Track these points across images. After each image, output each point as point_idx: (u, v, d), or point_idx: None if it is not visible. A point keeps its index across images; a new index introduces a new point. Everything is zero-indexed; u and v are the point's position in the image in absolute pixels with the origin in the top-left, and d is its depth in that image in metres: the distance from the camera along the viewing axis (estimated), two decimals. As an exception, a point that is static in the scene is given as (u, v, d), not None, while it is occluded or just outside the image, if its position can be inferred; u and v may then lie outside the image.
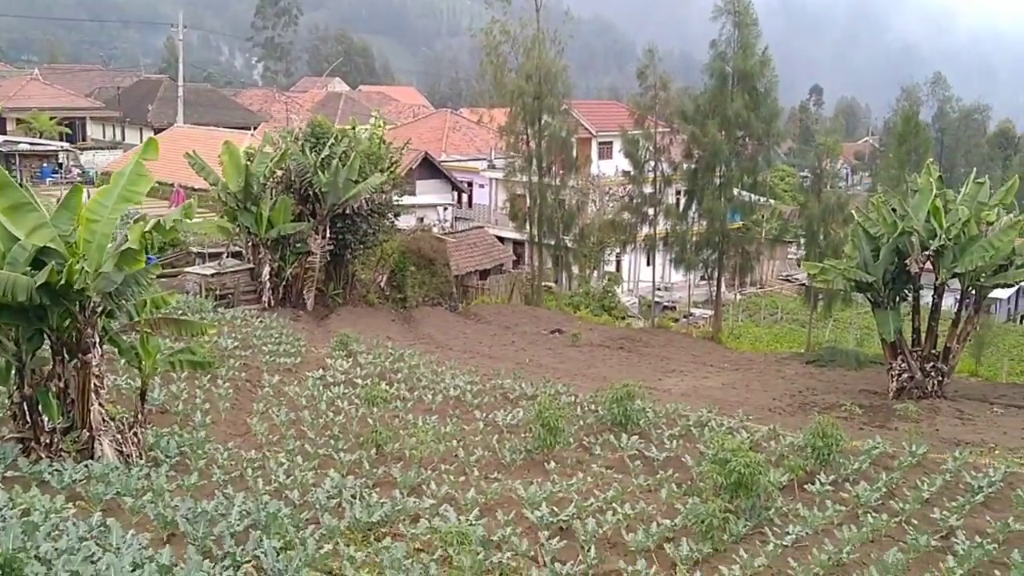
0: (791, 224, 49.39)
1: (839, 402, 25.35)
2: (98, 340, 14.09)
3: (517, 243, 50.86)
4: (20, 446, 13.97)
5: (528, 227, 47.46)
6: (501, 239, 49.61)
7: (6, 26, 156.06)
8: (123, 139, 73.15)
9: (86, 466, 13.37)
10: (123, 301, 14.05)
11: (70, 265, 12.86)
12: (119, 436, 14.61)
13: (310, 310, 33.62)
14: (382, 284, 37.72)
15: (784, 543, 12.83)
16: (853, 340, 41.35)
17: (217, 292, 31.31)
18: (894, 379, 26.67)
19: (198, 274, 32.18)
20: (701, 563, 12.20)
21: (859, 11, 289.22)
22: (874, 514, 14.06)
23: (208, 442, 16.25)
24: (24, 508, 10.46)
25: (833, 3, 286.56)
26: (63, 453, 13.87)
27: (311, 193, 32.99)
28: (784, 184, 72.08)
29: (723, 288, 45.21)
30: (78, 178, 50.86)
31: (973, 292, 26.96)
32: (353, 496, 13.33)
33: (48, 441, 14.03)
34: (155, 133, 65.78)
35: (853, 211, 31.28)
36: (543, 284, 47.19)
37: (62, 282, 12.82)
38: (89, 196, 14.44)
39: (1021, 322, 55.40)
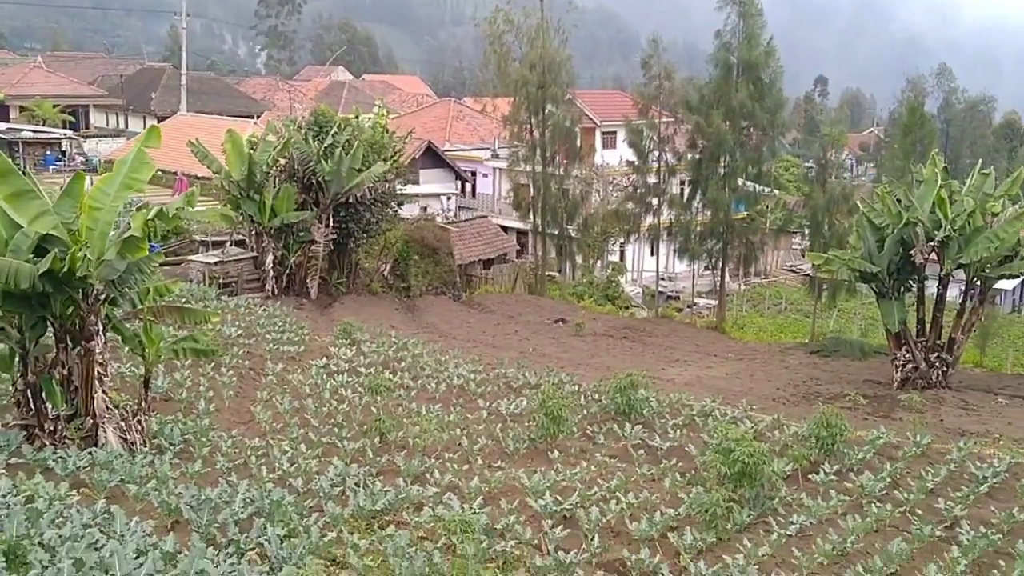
0: (795, 214, 49.25)
1: (843, 392, 25.32)
2: (101, 328, 14.08)
3: (521, 232, 50.82)
4: (24, 433, 13.99)
5: (532, 216, 47.41)
6: (505, 228, 49.59)
7: (9, 14, 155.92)
8: (126, 127, 73.14)
9: (90, 453, 13.38)
10: (126, 289, 14.02)
11: (73, 253, 12.83)
12: (123, 424, 14.61)
13: (314, 299, 33.62)
14: (386, 273, 37.71)
15: (788, 533, 12.81)
16: (857, 330, 41.31)
17: (220, 280, 31.31)
18: (898, 369, 26.63)
19: (201, 262, 32.18)
20: (705, 552, 12.19)
21: (864, 2, 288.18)
22: (878, 504, 14.05)
23: (212, 430, 16.25)
24: (28, 495, 10.46)
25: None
26: (67, 440, 13.88)
27: (314, 182, 32.96)
28: (789, 175, 71.88)
29: (727, 278, 45.15)
30: (81, 166, 50.88)
31: (978, 283, 26.90)
32: (357, 484, 13.32)
33: (52, 428, 14.04)
34: (158, 121, 65.76)
35: (858, 201, 31.15)
36: (547, 274, 47.16)
37: (65, 270, 12.80)
38: (92, 184, 14.42)
39: (1025, 313, 55.25)
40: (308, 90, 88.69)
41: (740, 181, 43.74)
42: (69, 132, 62.47)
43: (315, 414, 17.98)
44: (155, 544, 9.02)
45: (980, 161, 29.08)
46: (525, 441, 16.96)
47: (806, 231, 45.80)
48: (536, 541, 11.93)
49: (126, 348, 16.50)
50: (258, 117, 60.98)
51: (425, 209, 48.00)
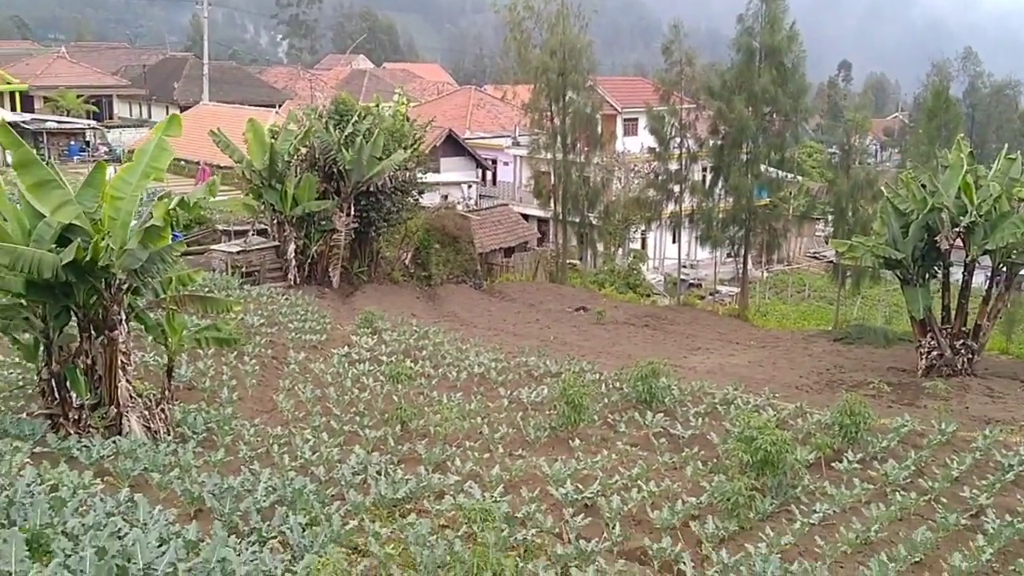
0: (819, 201, 48.80)
1: (867, 380, 25.10)
2: (124, 317, 14.19)
3: (542, 221, 50.66)
4: (49, 422, 14.15)
5: (553, 204, 47.23)
6: (525, 216, 49.45)
7: (33, 5, 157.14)
8: (149, 117, 73.52)
9: (114, 442, 13.49)
10: (148, 278, 14.11)
11: (95, 242, 12.91)
12: (146, 412, 14.75)
13: (335, 288, 33.73)
14: (407, 262, 37.76)
15: (811, 521, 12.74)
16: (882, 318, 40.91)
17: (243, 270, 31.48)
18: (923, 357, 26.38)
19: (224, 252, 32.35)
20: (727, 541, 12.14)
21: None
22: (902, 492, 13.94)
23: (235, 418, 16.37)
24: (52, 484, 10.55)
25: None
26: (91, 429, 14.02)
27: (335, 171, 33.02)
28: (812, 160, 71.17)
29: (750, 265, 44.82)
30: (105, 156, 51.20)
31: (1004, 269, 26.54)
32: (378, 472, 13.36)
33: (76, 417, 14.19)
34: (181, 111, 66.06)
35: (882, 187, 30.81)
36: (568, 262, 47.02)
37: (88, 259, 12.89)
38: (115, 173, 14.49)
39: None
40: (329, 79, 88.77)
41: (763, 167, 43.38)
42: (93, 122, 62.88)
43: (337, 403, 18.05)
44: (178, 532, 9.07)
45: (1006, 146, 28.62)
46: (546, 429, 16.95)
47: (830, 218, 45.36)
48: (557, 529, 11.92)
49: (149, 337, 16.62)
50: (279, 106, 61.09)
51: (446, 197, 47.98)
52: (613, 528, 11.91)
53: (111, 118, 72.58)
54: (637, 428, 17.34)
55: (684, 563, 10.83)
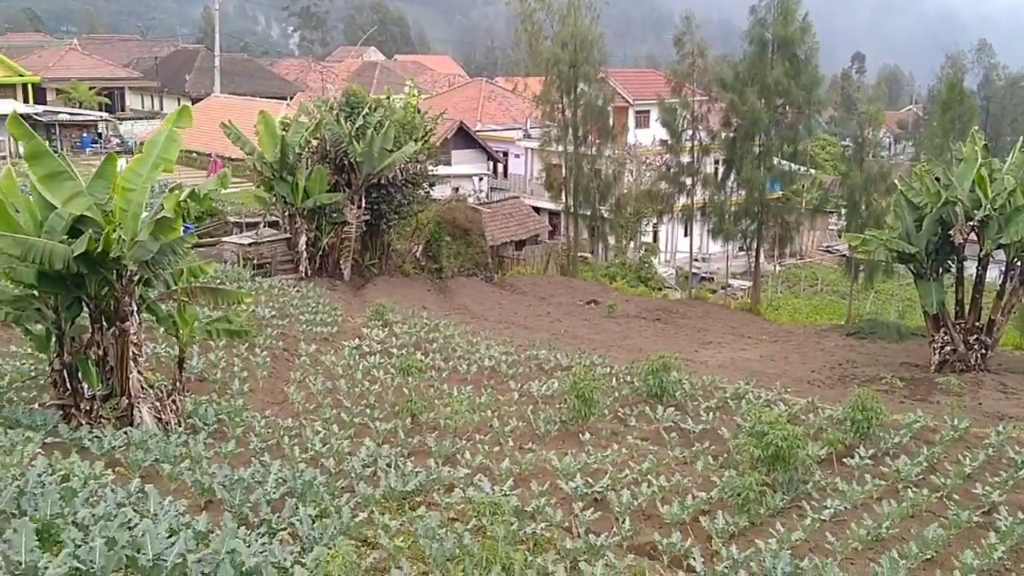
0: (832, 194, 48.64)
1: (880, 375, 24.99)
2: (136, 308, 14.21)
3: (553, 213, 50.59)
4: (61, 413, 14.19)
5: (564, 197, 47.17)
6: (537, 209, 49.41)
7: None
8: (161, 109, 73.67)
9: (125, 433, 13.53)
10: (160, 270, 14.14)
11: (107, 234, 12.92)
12: (158, 403, 14.78)
13: (347, 280, 33.75)
14: (418, 254, 37.76)
15: (822, 517, 12.69)
16: (895, 312, 40.77)
17: (255, 261, 31.55)
18: (936, 352, 26.24)
19: (236, 244, 32.41)
20: (737, 536, 12.09)
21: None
22: (915, 489, 13.86)
23: (245, 410, 16.39)
24: (64, 474, 10.58)
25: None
26: (103, 420, 14.05)
27: (346, 163, 33.03)
28: (825, 153, 70.90)
29: (762, 259, 44.69)
30: (117, 148, 51.39)
31: (1018, 263, 26.34)
32: (388, 465, 13.35)
33: (88, 408, 14.23)
34: (192, 103, 66.15)
35: (896, 180, 30.67)
36: (579, 255, 46.97)
37: (99, 250, 12.90)
38: (126, 164, 14.51)
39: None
40: (340, 71, 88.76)
41: (775, 160, 43.23)
42: (105, 114, 63.09)
43: (347, 395, 18.06)
44: (188, 523, 9.07)
45: (1021, 138, 28.38)
46: (556, 423, 16.93)
47: (843, 211, 45.19)
48: (567, 523, 11.90)
49: (161, 329, 16.65)
50: (291, 98, 61.23)
51: (457, 190, 47.95)
52: (623, 522, 11.88)
53: (123, 110, 72.83)
54: (648, 422, 17.30)
55: (694, 558, 10.79)
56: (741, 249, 46.98)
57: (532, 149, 53.26)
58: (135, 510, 9.27)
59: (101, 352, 14.24)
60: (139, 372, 14.47)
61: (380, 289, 33.42)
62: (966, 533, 12.48)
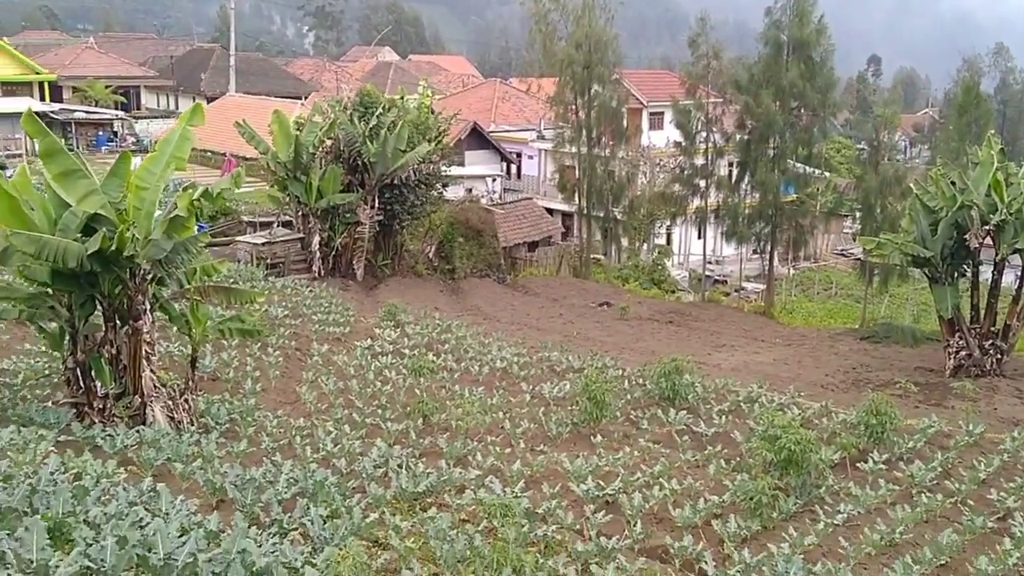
0: (847, 197, 48.37)
1: (894, 379, 24.85)
2: (149, 307, 14.24)
3: (566, 215, 50.53)
4: (74, 411, 14.23)
5: (577, 199, 47.09)
6: (550, 211, 49.36)
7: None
8: (177, 108, 74.05)
9: (138, 432, 13.55)
10: (173, 268, 14.16)
11: (120, 232, 12.95)
12: (170, 402, 14.81)
13: (359, 280, 33.80)
14: (430, 255, 37.78)
15: (835, 522, 12.62)
16: (909, 316, 40.52)
17: (268, 261, 31.62)
18: (951, 357, 26.07)
19: (249, 243, 32.49)
20: (749, 540, 12.03)
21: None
22: (928, 494, 13.77)
23: (258, 409, 16.41)
24: (76, 472, 10.60)
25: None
26: (116, 418, 14.08)
27: (360, 163, 33.07)
28: (840, 156, 70.50)
29: (776, 262, 44.52)
30: (133, 146, 51.64)
31: (1035, 268, 26.19)
32: (399, 466, 13.34)
33: (101, 406, 14.26)
34: (208, 102, 66.41)
35: (911, 184, 30.46)
36: (592, 256, 46.90)
37: (112, 249, 12.92)
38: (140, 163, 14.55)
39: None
40: (355, 71, 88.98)
41: (790, 163, 43.06)
42: (121, 113, 63.39)
43: (359, 395, 18.08)
44: (199, 523, 9.08)
45: (1039, 143, 28.21)
46: (568, 425, 16.90)
47: (858, 214, 44.92)
48: (578, 526, 11.86)
49: (174, 328, 16.68)
50: (305, 98, 61.34)
51: (470, 191, 47.95)
52: (634, 526, 11.84)
53: (139, 108, 73.21)
54: (660, 425, 17.24)
55: (705, 562, 10.74)
56: (755, 252, 46.80)
57: (546, 150, 53.23)
58: (147, 509, 9.28)
59: (114, 351, 14.27)
60: (152, 371, 14.50)
61: (392, 289, 33.44)
62: (981, 539, 12.39)
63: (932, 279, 26.59)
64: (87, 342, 14.27)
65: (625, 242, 48.81)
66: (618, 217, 47.29)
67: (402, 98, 35.94)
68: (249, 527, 9.15)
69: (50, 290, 13.89)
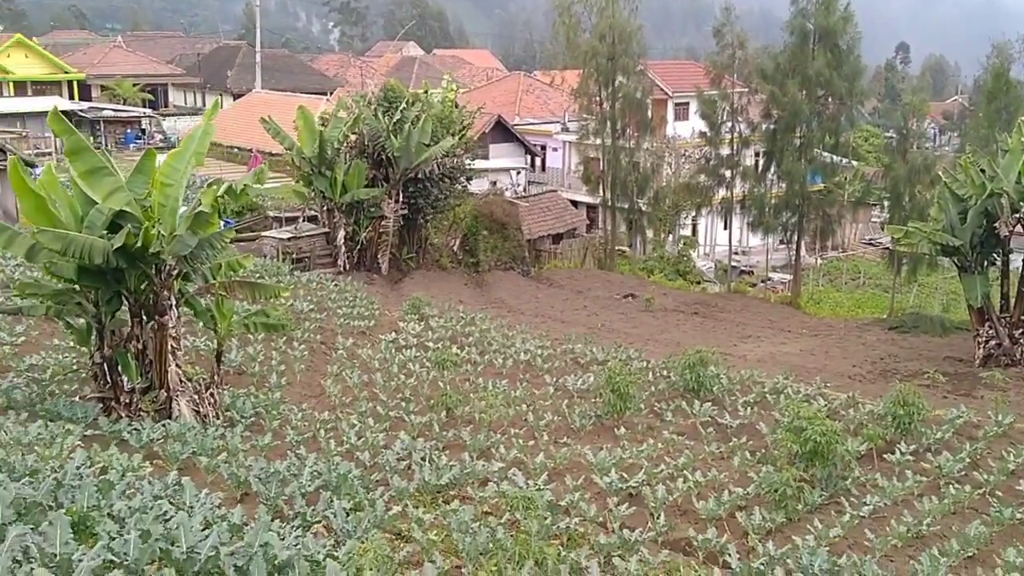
0: (875, 186, 47.90)
1: (922, 369, 24.60)
2: (174, 302, 14.37)
3: (590, 207, 50.40)
4: (101, 405, 14.39)
5: (602, 191, 46.95)
6: (574, 203, 49.24)
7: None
8: (204, 105, 74.56)
9: (164, 425, 13.68)
10: (198, 264, 14.28)
11: (146, 229, 13.06)
12: (196, 396, 14.94)
13: (384, 274, 33.91)
14: (455, 248, 37.82)
15: (861, 513, 12.50)
16: (938, 306, 40.09)
17: (294, 256, 31.79)
18: (981, 346, 25.77)
19: (275, 238, 32.69)
20: (774, 532, 11.94)
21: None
22: (956, 485, 13.60)
23: (283, 403, 16.53)
24: (102, 466, 10.70)
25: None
26: (142, 413, 14.23)
27: (384, 157, 33.15)
28: (868, 145, 69.81)
29: (803, 252, 44.18)
30: (160, 143, 52.07)
31: (1067, 256, 25.84)
32: (423, 458, 13.38)
33: (128, 401, 14.41)
34: (234, 99, 66.98)
35: (940, 172, 30.10)
36: (617, 248, 46.77)
37: (138, 245, 13.04)
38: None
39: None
40: (380, 66, 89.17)
41: (816, 152, 42.70)
42: (148, 111, 63.93)
43: (383, 388, 18.14)
44: (223, 516, 9.12)
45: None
46: (591, 417, 16.87)
47: (886, 203, 44.47)
48: (601, 519, 11.83)
49: (200, 323, 16.81)
50: (330, 94, 61.54)
51: (494, 184, 47.92)
52: (657, 518, 11.79)
53: (166, 106, 73.81)
54: (684, 417, 17.17)
55: (729, 554, 10.66)
56: (781, 242, 46.49)
57: (570, 142, 53.08)
58: (171, 502, 9.34)
59: (140, 346, 14.41)
60: (177, 365, 14.64)
61: (417, 283, 33.53)
62: (1009, 530, 12.22)
63: (961, 268, 26.30)
64: (114, 337, 14.42)
65: (650, 233, 48.60)
66: (643, 208, 47.10)
67: (426, 92, 35.97)
68: (272, 520, 9.19)
69: (77, 286, 14.05)
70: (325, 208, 33.38)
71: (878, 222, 56.64)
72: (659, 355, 23.20)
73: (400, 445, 13.90)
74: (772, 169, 43.37)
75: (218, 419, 15.01)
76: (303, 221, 35.10)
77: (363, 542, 9.12)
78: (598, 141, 46.34)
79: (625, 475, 13.31)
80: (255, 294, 16.27)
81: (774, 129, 42.52)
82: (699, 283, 44.38)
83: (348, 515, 10.14)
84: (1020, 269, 26.09)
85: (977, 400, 20.38)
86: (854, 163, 50.65)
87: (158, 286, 13.96)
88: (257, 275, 24.48)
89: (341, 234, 33.06)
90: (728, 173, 44.74)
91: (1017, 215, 24.51)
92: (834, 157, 44.30)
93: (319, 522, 10.23)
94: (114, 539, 7.28)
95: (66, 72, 67.32)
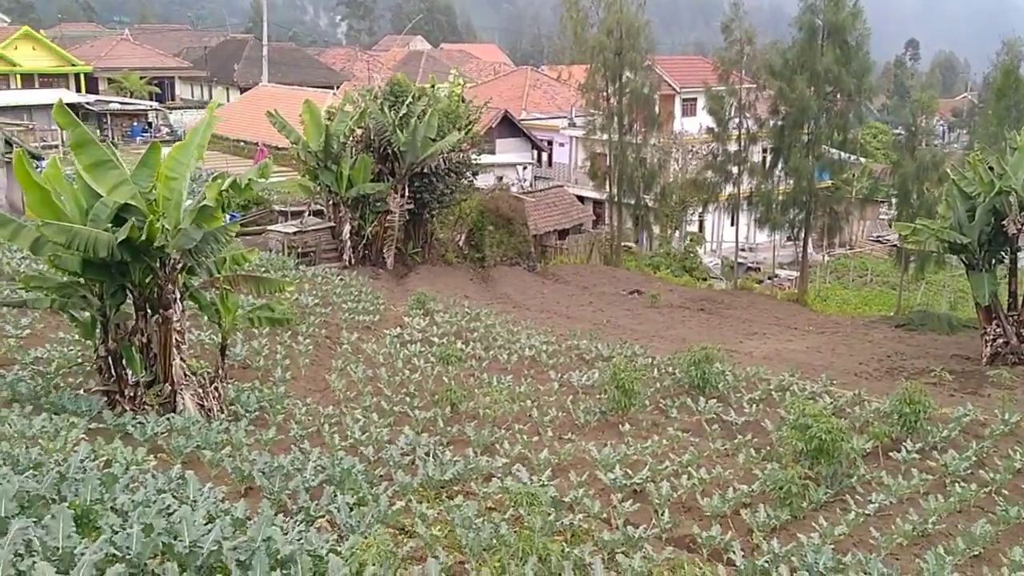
0: (883, 183, 47.68)
1: (929, 367, 24.50)
2: (179, 296, 14.36)
3: (597, 202, 50.27)
4: (105, 399, 14.40)
5: (608, 186, 46.84)
6: (581, 198, 49.14)
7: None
8: (210, 98, 74.47)
9: (168, 419, 13.68)
10: (202, 258, 14.28)
11: (150, 222, 13.06)
12: (200, 390, 14.94)
13: (390, 268, 33.88)
14: (460, 243, 37.77)
15: (866, 512, 12.46)
16: (946, 303, 39.94)
17: (299, 250, 31.77)
18: (988, 344, 25.66)
19: (281, 232, 32.68)
20: (778, 530, 11.91)
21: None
22: (962, 484, 13.55)
23: (287, 397, 16.52)
24: (106, 460, 10.71)
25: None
26: (146, 406, 14.23)
27: (390, 152, 33.09)
28: (876, 142, 69.62)
29: (810, 249, 44.04)
30: (167, 137, 52.08)
31: (1075, 254, 25.69)
32: (427, 454, 13.36)
33: (132, 394, 14.42)
34: (241, 92, 66.99)
35: (948, 169, 29.99)
36: (623, 244, 46.65)
37: (143, 239, 13.04)
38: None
39: None
40: (387, 60, 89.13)
41: (824, 148, 42.53)
42: (155, 104, 63.98)
43: (388, 383, 18.13)
44: (226, 510, 9.11)
45: (1080, 127, 27.63)
46: (596, 414, 16.84)
47: (894, 200, 44.29)
48: (605, 515, 11.81)
49: (205, 316, 16.81)
50: (337, 87, 61.48)
51: (501, 179, 47.84)
52: (662, 515, 11.76)
53: (173, 99, 73.87)
54: (689, 414, 17.13)
55: (734, 552, 10.64)
56: (788, 239, 46.32)
57: (577, 138, 52.98)
58: (175, 496, 9.32)
59: (145, 339, 14.41)
60: (182, 359, 14.64)
61: (422, 278, 33.51)
62: (1015, 529, 12.18)
63: (969, 266, 26.18)
64: (118, 331, 14.43)
65: (657, 229, 48.48)
66: (649, 204, 46.95)
67: (433, 86, 35.90)
68: (276, 515, 9.18)
69: (82, 279, 14.05)
70: (331, 202, 33.36)
71: (886, 219, 56.41)
72: (664, 351, 23.15)
73: (404, 440, 13.89)
74: (779, 165, 43.18)
75: (222, 413, 15.01)
76: (309, 215, 35.08)
77: (366, 537, 9.11)
78: (605, 136, 46.22)
79: (629, 471, 13.28)
80: (260, 288, 16.27)
81: (782, 125, 42.37)
82: (705, 280, 44.27)
83: (352, 510, 10.13)
84: (1028, 267, 25.94)
85: (984, 398, 20.30)
86: (862, 160, 50.43)
87: (162, 280, 13.95)
88: (262, 269, 24.52)
89: (347, 228, 33.03)
90: (735, 169, 44.57)
91: (1025, 213, 24.37)
92: (842, 154, 44.14)
93: (323, 517, 10.23)
94: (117, 533, 7.28)
95: (73, 65, 67.40)
